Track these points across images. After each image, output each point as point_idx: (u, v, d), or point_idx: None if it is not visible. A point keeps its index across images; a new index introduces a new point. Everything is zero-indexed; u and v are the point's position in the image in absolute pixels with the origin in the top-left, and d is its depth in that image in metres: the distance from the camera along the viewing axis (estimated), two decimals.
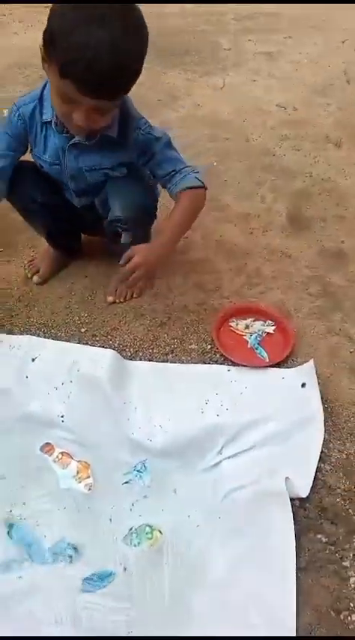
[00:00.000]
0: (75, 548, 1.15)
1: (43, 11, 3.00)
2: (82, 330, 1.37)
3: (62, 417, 1.21)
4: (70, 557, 1.14)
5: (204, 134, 2.07)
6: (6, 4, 3.11)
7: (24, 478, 1.24)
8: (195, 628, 0.96)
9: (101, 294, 1.46)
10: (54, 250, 1.52)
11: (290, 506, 1.05)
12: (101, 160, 1.25)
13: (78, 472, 1.17)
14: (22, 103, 1.25)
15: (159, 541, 1.10)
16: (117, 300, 1.45)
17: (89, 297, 1.46)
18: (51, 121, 1.23)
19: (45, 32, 1.04)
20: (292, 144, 2.06)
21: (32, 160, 1.34)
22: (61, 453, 1.18)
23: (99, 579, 1.10)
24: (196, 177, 1.25)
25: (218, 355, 1.30)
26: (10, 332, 1.35)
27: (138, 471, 1.16)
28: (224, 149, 2.02)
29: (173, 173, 1.25)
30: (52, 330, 1.36)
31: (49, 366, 1.27)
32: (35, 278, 1.49)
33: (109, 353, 1.26)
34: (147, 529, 1.11)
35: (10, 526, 1.18)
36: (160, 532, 1.11)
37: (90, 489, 1.15)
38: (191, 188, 1.24)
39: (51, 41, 1.02)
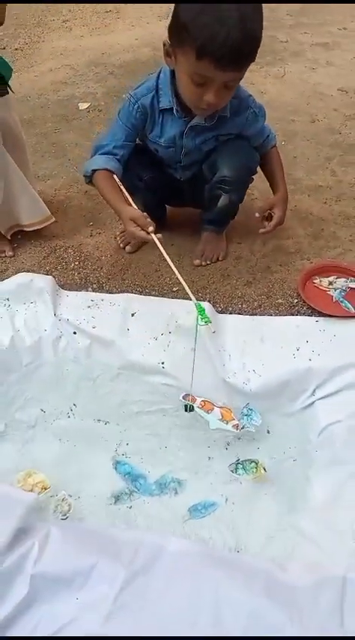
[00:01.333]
0: (179, 482, 1.24)
1: (106, 15, 3.18)
2: (174, 289, 1.47)
3: (162, 363, 1.31)
4: (175, 490, 1.24)
5: (271, 117, 2.11)
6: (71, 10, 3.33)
7: (126, 422, 1.35)
8: (306, 544, 1.03)
9: (188, 259, 1.56)
10: None
11: None
12: (215, 132, 1.38)
13: (222, 416, 1.20)
14: (141, 95, 1.34)
15: (262, 477, 1.18)
16: (203, 263, 1.55)
17: (177, 262, 1.55)
18: (170, 108, 1.33)
19: (172, 26, 1.15)
20: None
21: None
22: (203, 401, 1.22)
23: (204, 508, 1.19)
24: (275, 137, 1.51)
25: (305, 308, 1.37)
26: (110, 292, 1.46)
27: (246, 415, 1.23)
28: (291, 130, 2.11)
29: (266, 138, 1.45)
30: (147, 290, 1.47)
31: (148, 319, 1.36)
32: (128, 248, 1.60)
33: (205, 305, 1.35)
34: (253, 464, 1.18)
35: (116, 462, 1.28)
36: (265, 469, 1.18)
37: (237, 429, 1.18)
38: (274, 146, 1.50)
39: (182, 29, 1.11)
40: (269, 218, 1.46)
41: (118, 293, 1.45)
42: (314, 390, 1.24)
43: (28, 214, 1.56)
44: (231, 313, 1.40)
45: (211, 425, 1.19)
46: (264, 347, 1.31)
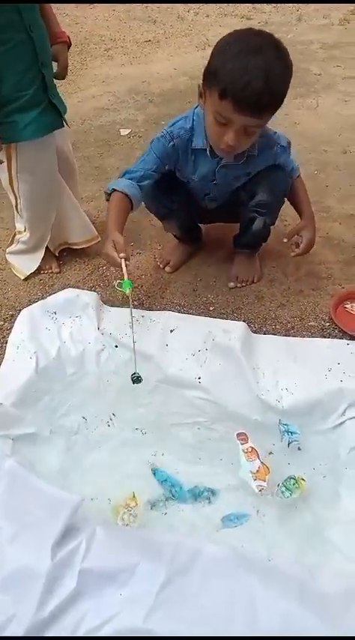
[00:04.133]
0: (212, 492, 1.30)
1: (145, 45, 3.34)
2: (210, 308, 1.55)
3: (199, 378, 1.38)
4: (208, 499, 1.29)
5: (304, 147, 2.25)
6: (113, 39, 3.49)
7: (163, 432, 1.41)
8: (336, 556, 1.08)
9: (223, 280, 1.65)
10: (181, 244, 1.73)
11: None
12: (246, 169, 1.47)
13: (257, 471, 1.23)
14: (177, 135, 1.43)
15: (307, 489, 1.21)
16: (238, 285, 1.63)
17: (213, 282, 1.64)
18: (203, 149, 1.43)
19: (206, 69, 1.26)
20: None
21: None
22: (251, 447, 1.26)
23: (236, 518, 1.24)
24: (298, 168, 1.58)
25: (336, 331, 1.44)
26: (150, 309, 1.55)
27: (286, 431, 1.29)
28: (323, 160, 2.19)
29: (291, 169, 1.52)
30: (184, 308, 1.55)
31: (186, 336, 1.44)
32: (167, 268, 1.70)
33: (241, 325, 1.43)
34: (292, 481, 1.22)
35: (154, 470, 1.35)
36: (303, 480, 1.22)
37: (260, 491, 1.20)
38: (298, 176, 1.57)
39: (213, 73, 1.23)
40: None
41: (158, 310, 1.54)
42: (344, 410, 1.30)
43: (77, 233, 1.67)
44: (264, 333, 1.47)
45: (240, 472, 1.23)
46: (296, 367, 1.37)
